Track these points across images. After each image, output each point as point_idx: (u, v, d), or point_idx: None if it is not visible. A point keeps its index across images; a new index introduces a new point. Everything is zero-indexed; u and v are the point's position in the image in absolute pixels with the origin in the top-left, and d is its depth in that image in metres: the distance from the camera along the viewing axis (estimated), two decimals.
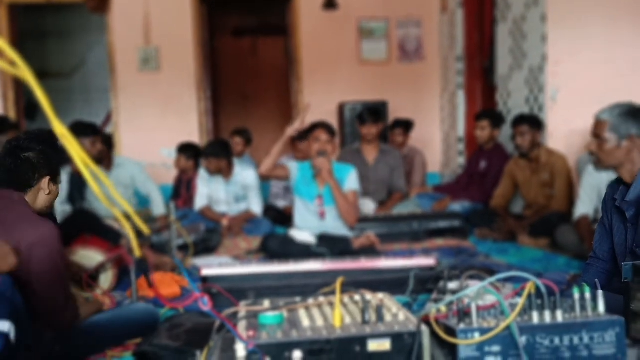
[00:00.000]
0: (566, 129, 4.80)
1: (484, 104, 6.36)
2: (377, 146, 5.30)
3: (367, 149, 5.29)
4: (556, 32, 4.75)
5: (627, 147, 2.27)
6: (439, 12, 7.13)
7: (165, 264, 3.58)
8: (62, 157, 2.37)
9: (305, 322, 1.54)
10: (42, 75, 9.04)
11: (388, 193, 5.40)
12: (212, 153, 5.02)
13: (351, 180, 4.32)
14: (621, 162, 2.30)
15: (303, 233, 4.15)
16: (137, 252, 1.04)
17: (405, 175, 5.89)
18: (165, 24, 6.80)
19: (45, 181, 2.33)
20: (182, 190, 5.66)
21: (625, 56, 4.74)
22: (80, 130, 4.48)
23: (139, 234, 3.61)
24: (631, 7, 4.74)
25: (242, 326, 1.53)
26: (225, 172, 5.09)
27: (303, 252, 3.98)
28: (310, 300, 1.68)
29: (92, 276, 3.18)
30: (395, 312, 1.59)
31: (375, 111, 5.28)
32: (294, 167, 4.30)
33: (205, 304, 1.23)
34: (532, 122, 4.63)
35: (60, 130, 0.96)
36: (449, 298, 1.59)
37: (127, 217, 1.12)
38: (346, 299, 1.71)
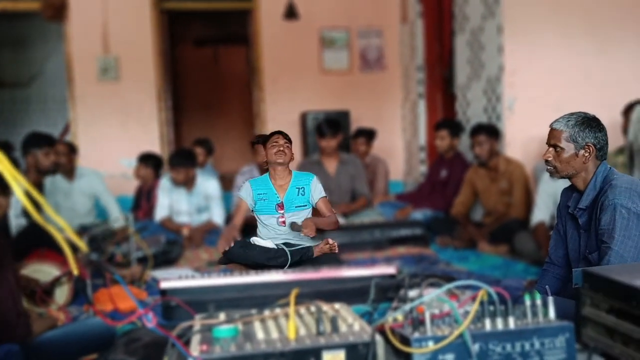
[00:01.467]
0: (523, 138, 4.91)
1: (445, 112, 6.45)
2: (337, 157, 5.31)
3: (327, 160, 5.29)
4: (512, 43, 4.86)
5: (583, 155, 2.32)
6: (399, 23, 7.22)
7: (123, 277, 3.51)
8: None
9: (260, 334, 1.52)
10: None
11: (351, 201, 5.41)
12: (181, 163, 4.95)
13: (316, 190, 4.32)
14: (577, 170, 2.35)
15: (265, 242, 4.11)
16: (75, 270, 1.01)
17: (368, 184, 5.92)
18: (125, 33, 6.71)
19: None
20: (142, 201, 5.58)
21: (579, 66, 4.88)
22: (33, 141, 4.40)
23: (98, 249, 3.53)
24: (584, 19, 4.89)
25: (195, 340, 1.50)
26: (190, 182, 5.04)
27: (264, 254, 3.96)
28: (266, 312, 1.67)
29: (47, 291, 3.10)
30: (351, 322, 1.59)
31: (334, 123, 5.26)
32: (248, 195, 4.27)
33: (150, 321, 1.21)
34: (490, 132, 4.71)
35: None
36: (402, 307, 1.60)
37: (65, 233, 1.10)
38: (302, 310, 1.70)
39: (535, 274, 3.79)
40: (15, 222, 3.95)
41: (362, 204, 5.28)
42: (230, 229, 3.82)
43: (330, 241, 4.14)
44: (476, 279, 3.70)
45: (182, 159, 4.99)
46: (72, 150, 5.09)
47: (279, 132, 4.16)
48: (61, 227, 1.01)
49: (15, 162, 3.74)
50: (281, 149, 4.11)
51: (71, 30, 6.68)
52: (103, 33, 6.66)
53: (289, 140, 4.15)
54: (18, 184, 0.99)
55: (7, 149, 4.18)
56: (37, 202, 1.26)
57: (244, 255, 3.96)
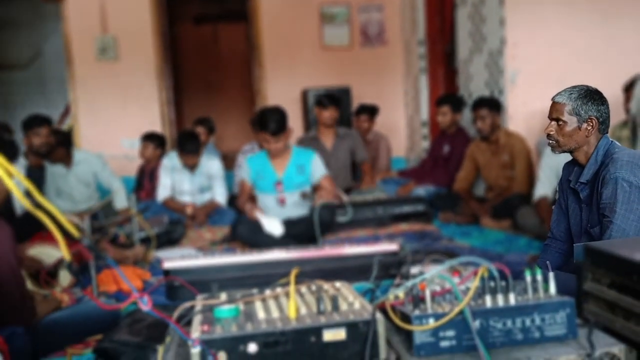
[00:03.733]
0: (526, 111, 4.87)
1: (447, 87, 6.40)
2: (334, 131, 5.30)
3: (324, 135, 5.27)
4: (514, 16, 4.79)
5: (586, 129, 2.29)
6: None
7: (126, 258, 3.53)
8: (10, 152, 2.30)
9: (261, 314, 1.53)
10: None
11: (352, 177, 5.41)
12: (195, 149, 4.93)
13: (317, 168, 4.32)
14: (579, 144, 2.33)
15: (272, 222, 4.09)
16: (67, 256, 1.00)
17: (370, 161, 5.91)
18: (123, 11, 6.64)
19: None
20: (145, 182, 5.57)
21: (581, 38, 4.82)
22: (27, 123, 4.41)
23: (101, 230, 3.54)
24: None
25: (197, 320, 1.51)
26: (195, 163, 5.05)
27: (272, 240, 3.96)
28: (267, 292, 1.67)
29: (51, 273, 3.12)
30: (352, 300, 1.59)
31: (333, 97, 5.30)
32: (246, 172, 4.28)
33: (145, 304, 1.21)
34: (491, 105, 4.67)
35: None
36: (404, 284, 1.60)
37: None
38: (303, 289, 1.70)
39: (538, 249, 3.79)
40: (20, 204, 3.96)
41: (369, 170, 5.32)
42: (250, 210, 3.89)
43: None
44: (479, 254, 3.72)
45: (194, 145, 4.94)
46: (62, 142, 4.83)
47: (266, 125, 4.08)
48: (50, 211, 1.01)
49: (15, 145, 3.73)
50: (271, 146, 4.10)
51: (69, 10, 6.62)
52: (101, 12, 6.60)
53: (280, 127, 4.06)
54: (8, 174, 0.99)
55: (6, 132, 4.16)
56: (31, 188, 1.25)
57: (254, 239, 3.97)
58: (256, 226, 4.08)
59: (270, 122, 4.08)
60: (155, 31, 6.80)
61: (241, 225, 4.13)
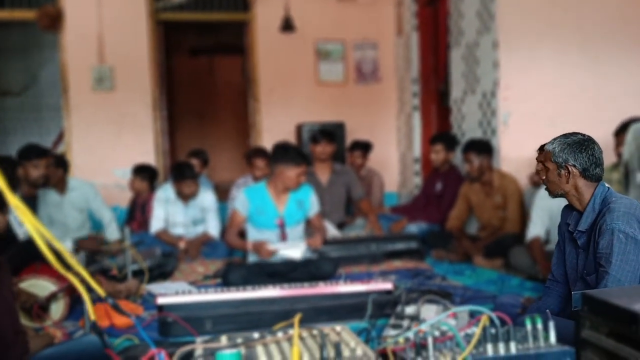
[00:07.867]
0: (518, 152, 4.94)
1: (439, 125, 6.48)
2: (330, 167, 5.33)
3: (320, 170, 5.30)
4: (507, 59, 4.89)
5: (565, 175, 2.35)
6: (395, 35, 7.26)
7: (119, 292, 3.50)
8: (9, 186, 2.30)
9: (263, 359, 1.52)
10: None
11: (345, 213, 5.43)
12: (192, 174, 4.95)
13: (314, 203, 4.33)
14: (565, 190, 2.38)
15: (293, 247, 4.10)
16: (92, 316, 1.00)
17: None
18: (120, 43, 6.70)
19: None
20: (136, 213, 5.56)
21: (572, 80, 4.93)
22: (24, 153, 4.39)
23: (94, 262, 3.50)
24: (577, 35, 4.94)
25: None
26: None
27: (267, 282, 3.89)
28: (268, 337, 1.67)
29: (43, 306, 3.09)
30: (353, 346, 1.59)
31: (328, 133, 5.34)
32: (244, 205, 4.21)
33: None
34: (480, 149, 4.70)
35: (14, 202, 0.99)
36: (406, 332, 1.61)
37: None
38: (305, 333, 1.70)
39: (530, 289, 3.81)
40: (22, 231, 3.93)
41: (370, 207, 5.30)
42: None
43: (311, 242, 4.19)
44: (472, 294, 3.73)
45: (192, 171, 4.99)
46: (60, 163, 4.90)
47: (303, 156, 4.09)
48: (82, 274, 1.02)
49: (15, 180, 3.70)
50: (300, 179, 4.00)
51: (66, 39, 6.67)
52: (98, 43, 6.66)
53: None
54: (41, 235, 1.01)
55: (9, 165, 4.13)
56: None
57: (247, 283, 3.92)
58: (248, 271, 3.98)
59: (302, 155, 4.19)
60: (152, 62, 6.86)
61: (232, 273, 4.02)
